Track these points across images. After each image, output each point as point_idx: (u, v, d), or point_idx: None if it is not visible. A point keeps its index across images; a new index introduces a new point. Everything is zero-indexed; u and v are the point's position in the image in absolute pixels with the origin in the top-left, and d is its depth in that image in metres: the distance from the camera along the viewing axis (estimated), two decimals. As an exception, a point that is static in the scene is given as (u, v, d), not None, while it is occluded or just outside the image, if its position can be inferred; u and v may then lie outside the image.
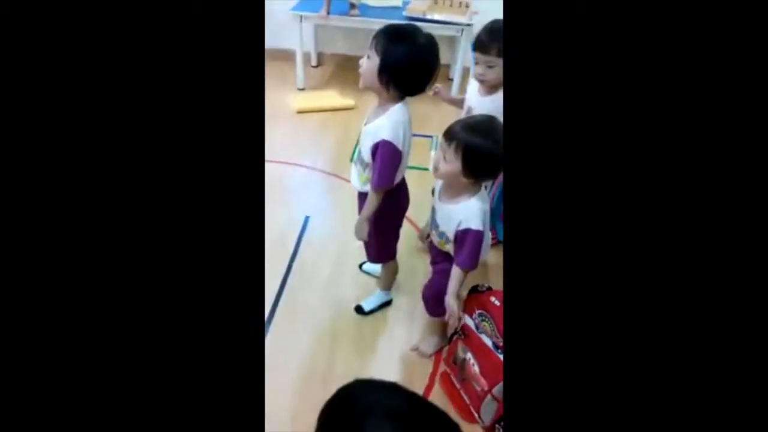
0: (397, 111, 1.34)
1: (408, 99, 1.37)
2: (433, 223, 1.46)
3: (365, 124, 1.42)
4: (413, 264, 1.98)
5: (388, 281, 1.78)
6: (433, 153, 2.82)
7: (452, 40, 3.45)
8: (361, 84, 1.37)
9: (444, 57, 3.61)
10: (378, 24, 3.28)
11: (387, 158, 1.35)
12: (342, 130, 2.91)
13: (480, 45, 1.50)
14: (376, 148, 1.36)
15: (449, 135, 1.26)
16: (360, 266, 1.97)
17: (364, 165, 1.44)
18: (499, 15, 3.54)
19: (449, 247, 1.43)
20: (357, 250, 2.04)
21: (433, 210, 1.45)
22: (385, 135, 1.33)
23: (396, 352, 1.69)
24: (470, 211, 1.30)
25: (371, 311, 1.79)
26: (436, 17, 3.17)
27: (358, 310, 1.79)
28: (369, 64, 1.31)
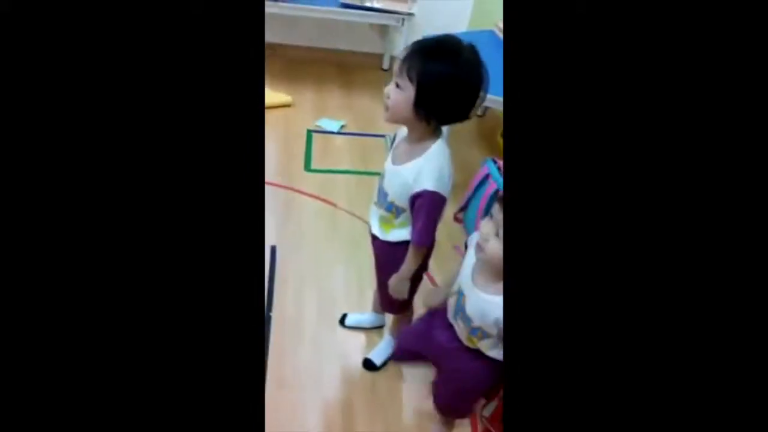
0: (437, 152, 1.07)
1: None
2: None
3: (392, 163, 1.13)
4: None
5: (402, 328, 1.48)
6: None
7: (386, 28, 3.18)
8: (388, 118, 1.06)
9: (378, 47, 3.40)
10: (309, 12, 3.01)
11: (433, 211, 1.08)
12: (282, 133, 2.52)
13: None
14: (416, 197, 1.08)
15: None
16: (341, 321, 1.59)
17: (396, 210, 1.15)
18: (440, 5, 3.37)
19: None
20: (343, 288, 1.72)
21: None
22: (429, 184, 1.05)
23: (423, 410, 1.41)
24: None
25: (384, 364, 1.49)
26: (375, 5, 2.88)
27: (368, 365, 1.48)
28: (400, 95, 1.01)
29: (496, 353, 1.07)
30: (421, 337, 1.20)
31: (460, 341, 1.11)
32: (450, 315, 1.13)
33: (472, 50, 1.01)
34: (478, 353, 1.09)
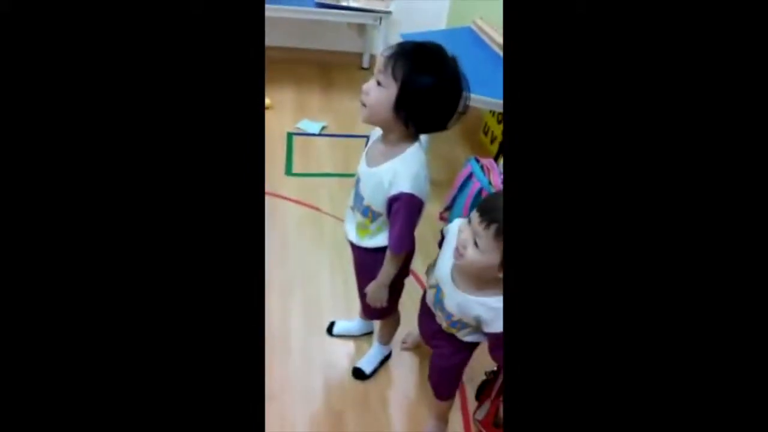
0: (412, 155, 1.04)
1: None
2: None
3: (367, 165, 1.10)
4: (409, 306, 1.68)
5: (390, 334, 1.45)
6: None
7: (363, 27, 3.15)
8: (365, 118, 1.03)
9: (357, 45, 3.36)
10: (285, 13, 2.96)
11: (410, 215, 1.05)
12: (262, 138, 2.47)
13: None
14: (393, 200, 1.04)
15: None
16: (329, 331, 1.56)
17: (372, 215, 1.12)
18: (418, 2, 3.33)
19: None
20: (329, 294, 1.69)
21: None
22: (406, 186, 1.02)
23: (418, 419, 1.38)
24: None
25: (374, 372, 1.46)
26: (352, 4, 2.84)
27: (358, 374, 1.45)
28: (381, 93, 0.98)
29: (472, 338, 1.13)
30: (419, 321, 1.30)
31: (439, 325, 1.17)
32: (429, 302, 1.17)
33: (455, 62, 0.99)
34: (455, 337, 1.15)
